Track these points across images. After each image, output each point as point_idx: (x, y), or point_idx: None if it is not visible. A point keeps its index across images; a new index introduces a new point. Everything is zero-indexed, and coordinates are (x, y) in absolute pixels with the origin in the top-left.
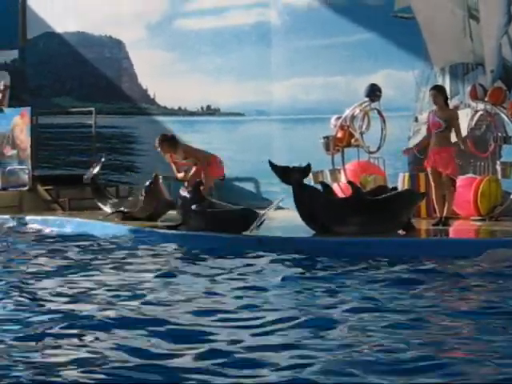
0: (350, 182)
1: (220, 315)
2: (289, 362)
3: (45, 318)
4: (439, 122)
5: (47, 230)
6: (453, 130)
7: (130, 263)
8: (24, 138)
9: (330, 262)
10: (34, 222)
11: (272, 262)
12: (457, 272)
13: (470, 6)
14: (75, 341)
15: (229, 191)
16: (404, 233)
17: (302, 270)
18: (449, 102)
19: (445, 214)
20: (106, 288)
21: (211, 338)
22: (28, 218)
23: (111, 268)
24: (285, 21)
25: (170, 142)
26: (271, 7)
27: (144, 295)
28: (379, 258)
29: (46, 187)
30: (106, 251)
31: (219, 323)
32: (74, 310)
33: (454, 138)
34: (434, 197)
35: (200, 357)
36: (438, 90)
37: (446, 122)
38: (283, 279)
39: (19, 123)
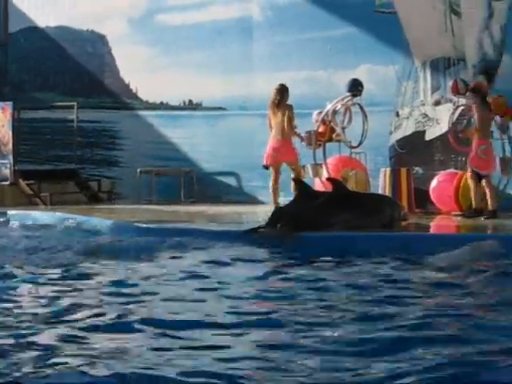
0: (329, 179)
1: None
2: None
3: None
4: None
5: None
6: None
7: None
8: (5, 132)
9: None
10: None
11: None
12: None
13: (452, 0)
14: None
15: (210, 186)
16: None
17: None
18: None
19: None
20: None
21: None
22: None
23: None
24: (267, 15)
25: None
26: (253, 1)
27: None
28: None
29: (28, 182)
30: None
31: None
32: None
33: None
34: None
35: None
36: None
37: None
38: None
39: (0, 118)
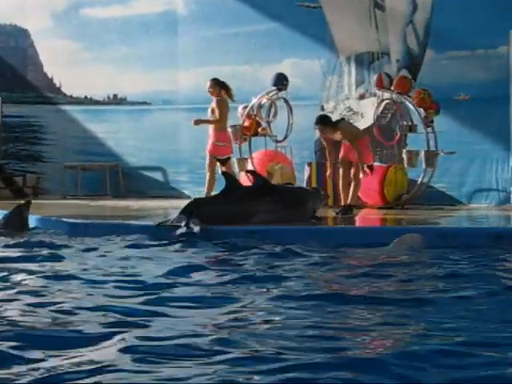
0: (249, 171)
1: None
2: None
3: None
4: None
5: None
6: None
7: None
8: None
9: None
10: None
11: None
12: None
13: None
14: None
15: (136, 180)
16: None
17: None
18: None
19: (349, 201)
20: None
21: None
22: None
23: None
24: (191, 10)
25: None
26: None
27: None
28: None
29: None
30: None
31: None
32: None
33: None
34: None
35: None
36: (324, 124)
37: (349, 141)
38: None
39: None
